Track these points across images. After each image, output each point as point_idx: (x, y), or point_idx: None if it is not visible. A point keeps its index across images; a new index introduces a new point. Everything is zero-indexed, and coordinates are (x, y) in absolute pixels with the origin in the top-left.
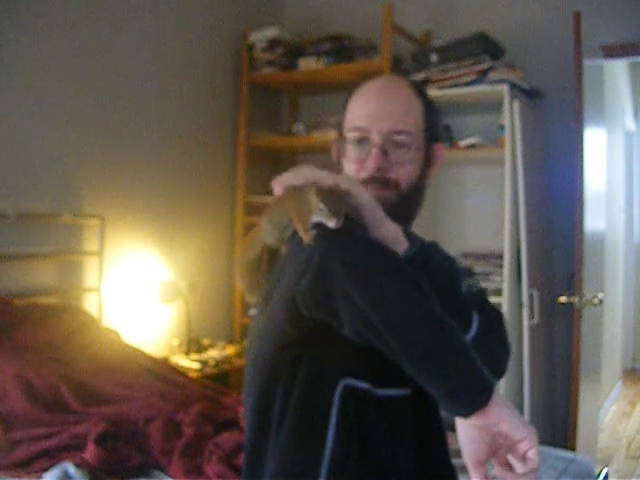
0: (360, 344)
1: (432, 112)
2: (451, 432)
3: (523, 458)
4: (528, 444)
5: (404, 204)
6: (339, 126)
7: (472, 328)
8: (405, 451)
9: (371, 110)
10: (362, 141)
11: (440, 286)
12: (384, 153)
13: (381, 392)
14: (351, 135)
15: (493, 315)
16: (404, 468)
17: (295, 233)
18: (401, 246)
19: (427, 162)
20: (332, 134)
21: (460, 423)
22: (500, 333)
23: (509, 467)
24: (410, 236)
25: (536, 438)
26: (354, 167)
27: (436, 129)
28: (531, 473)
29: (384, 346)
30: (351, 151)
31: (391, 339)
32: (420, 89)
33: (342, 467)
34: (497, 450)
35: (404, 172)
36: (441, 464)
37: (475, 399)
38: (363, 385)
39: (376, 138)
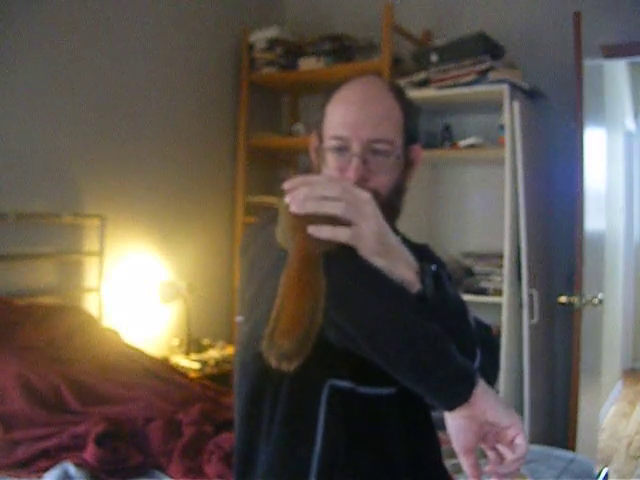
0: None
1: (411, 114)
2: (443, 431)
3: (511, 444)
4: (515, 430)
5: (384, 210)
6: (318, 129)
7: (474, 365)
8: (394, 449)
9: (350, 118)
10: (342, 149)
11: (454, 323)
12: (364, 162)
13: (366, 391)
14: (331, 143)
15: (492, 347)
16: (394, 466)
17: (272, 241)
18: (412, 288)
19: (406, 165)
20: (312, 136)
21: (448, 413)
22: (495, 365)
23: (498, 452)
24: (423, 269)
25: (522, 424)
26: (335, 175)
27: (415, 131)
28: (521, 459)
29: (366, 355)
30: (331, 159)
31: (372, 351)
32: (399, 91)
33: (332, 467)
34: (485, 437)
35: (383, 180)
36: (431, 462)
37: (458, 393)
38: (348, 385)
39: (356, 147)
